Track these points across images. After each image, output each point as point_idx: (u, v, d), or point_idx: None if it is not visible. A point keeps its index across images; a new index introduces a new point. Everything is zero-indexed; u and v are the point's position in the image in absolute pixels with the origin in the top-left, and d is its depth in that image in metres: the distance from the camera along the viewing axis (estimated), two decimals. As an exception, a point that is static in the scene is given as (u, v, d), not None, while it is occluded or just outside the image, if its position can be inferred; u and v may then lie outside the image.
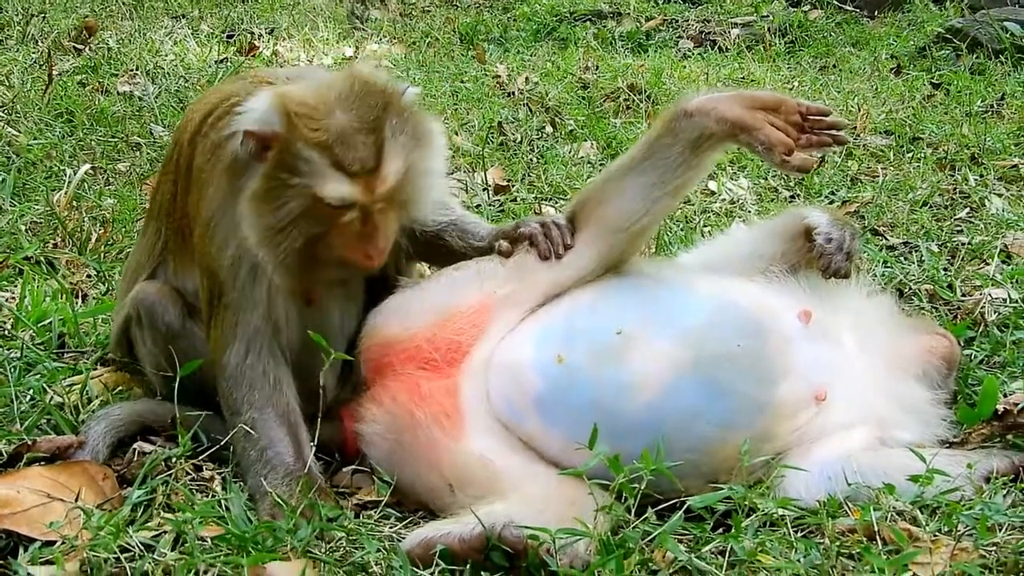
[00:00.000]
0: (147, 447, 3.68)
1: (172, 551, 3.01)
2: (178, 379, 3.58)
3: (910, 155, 7.08)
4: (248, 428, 3.55)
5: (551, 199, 6.39)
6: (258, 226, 3.43)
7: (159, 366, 3.86)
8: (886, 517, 3.22)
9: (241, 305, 3.62)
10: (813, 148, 3.64)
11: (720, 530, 3.24)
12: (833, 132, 3.65)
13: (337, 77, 3.50)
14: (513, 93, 8.85)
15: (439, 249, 4.01)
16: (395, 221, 3.62)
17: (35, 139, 7.11)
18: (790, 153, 3.56)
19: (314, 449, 3.53)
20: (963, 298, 4.92)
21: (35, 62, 8.94)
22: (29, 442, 3.55)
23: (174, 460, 3.53)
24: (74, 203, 5.95)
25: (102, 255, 5.51)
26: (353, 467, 3.68)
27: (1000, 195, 6.27)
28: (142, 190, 6.41)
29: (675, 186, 3.68)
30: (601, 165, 7.03)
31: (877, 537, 3.13)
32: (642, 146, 3.70)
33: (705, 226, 5.85)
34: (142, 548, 3.00)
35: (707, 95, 3.66)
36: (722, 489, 3.27)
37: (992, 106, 8.12)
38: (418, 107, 3.60)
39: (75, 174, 6.11)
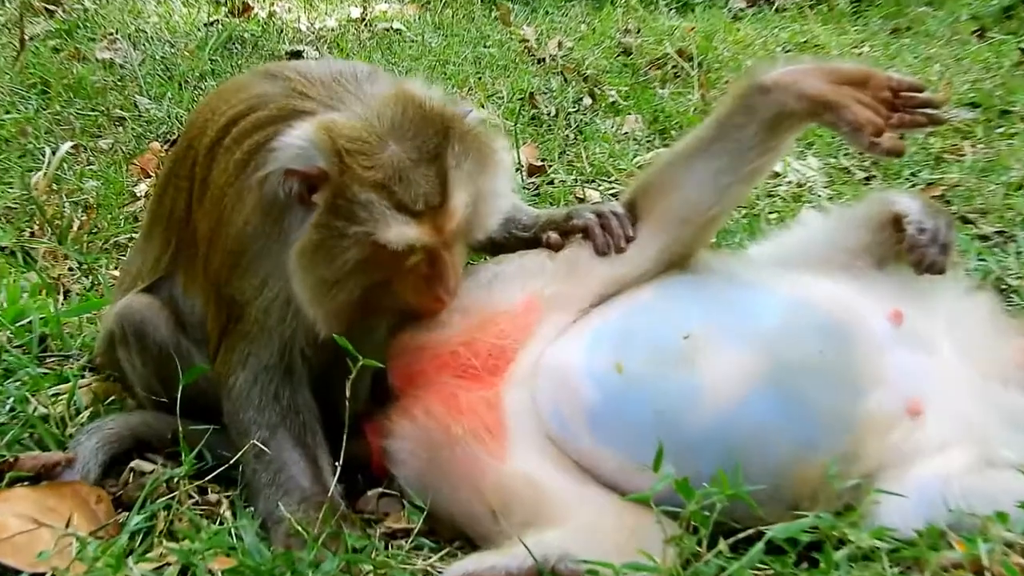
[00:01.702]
0: (146, 466, 3.67)
1: (179, 585, 3.00)
2: (180, 388, 3.52)
3: (1001, 130, 7.03)
4: (260, 449, 3.53)
5: (593, 181, 6.36)
6: (311, 281, 3.38)
7: (151, 388, 3.85)
8: (996, 549, 3.17)
9: (259, 340, 3.61)
10: (905, 128, 3.59)
11: (805, 564, 3.20)
12: (928, 110, 3.61)
13: (387, 100, 3.42)
14: (544, 60, 8.84)
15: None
16: (462, 252, 3.63)
17: (7, 113, 7.13)
18: (879, 134, 3.51)
19: (338, 472, 3.49)
20: (1070, 296, 4.88)
21: (3, 25, 8.95)
22: (11, 459, 3.53)
23: (176, 481, 3.50)
24: (53, 186, 5.94)
25: (85, 245, 5.50)
26: (380, 490, 3.65)
27: (1109, 176, 6.22)
28: (128, 170, 6.41)
29: (749, 171, 3.65)
30: (648, 142, 7.01)
31: (986, 573, 3.09)
32: (711, 126, 3.67)
33: (770, 212, 5.81)
34: (144, 582, 2.99)
35: (785, 68, 3.62)
36: (806, 517, 3.22)
37: (1093, 74, 8.07)
38: (480, 126, 3.54)
39: (54, 153, 6.10)
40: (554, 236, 3.79)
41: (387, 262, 3.39)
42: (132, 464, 3.69)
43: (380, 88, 3.53)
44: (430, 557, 3.42)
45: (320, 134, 3.31)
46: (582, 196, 6.01)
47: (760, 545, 3.16)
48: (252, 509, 3.52)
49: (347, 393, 3.34)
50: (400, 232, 3.31)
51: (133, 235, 5.45)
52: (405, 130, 3.35)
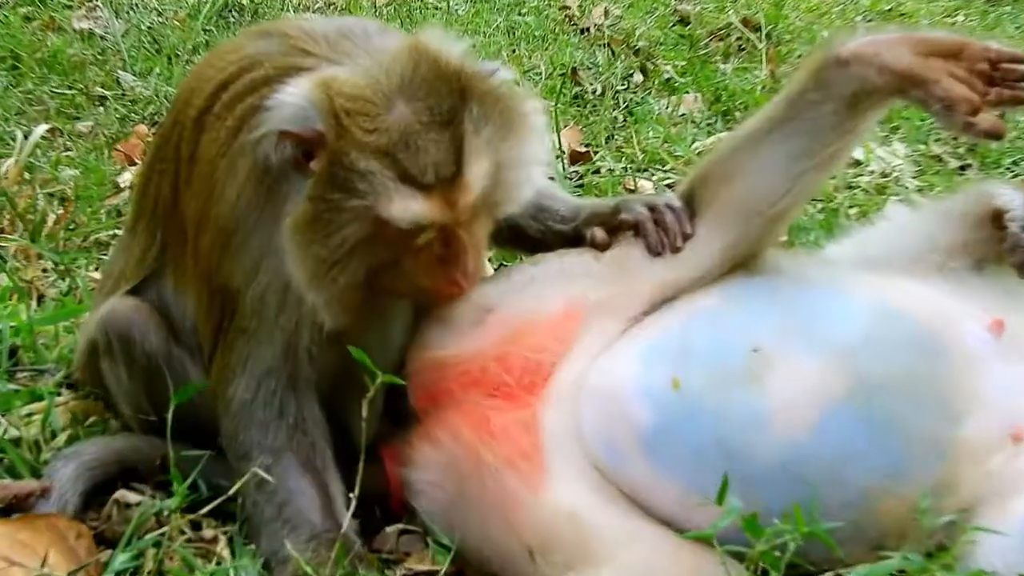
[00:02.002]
0: (132, 497, 3.67)
1: (170, 635, 3.01)
2: (172, 406, 3.52)
3: (1117, 112, 6.99)
4: (262, 477, 3.50)
5: (645, 169, 6.36)
6: (307, 261, 3.33)
7: (139, 406, 3.84)
8: (1113, 597, 3.17)
9: (258, 336, 3.58)
10: (1006, 105, 3.57)
11: (890, 612, 3.19)
12: (1032, 85, 3.59)
13: (397, 55, 3.36)
14: (588, 29, 8.84)
15: (505, 233, 3.91)
16: (484, 230, 3.58)
17: (-28, 92, 7.17)
18: (976, 112, 3.50)
19: (353, 505, 3.46)
20: None
21: (-33, -9, 9.02)
22: (-22, 489, 3.55)
23: (167, 514, 3.51)
24: (25, 175, 5.96)
25: (62, 243, 5.52)
26: (400, 526, 3.65)
27: None
28: (111, 157, 6.43)
29: (825, 157, 3.62)
30: (708, 124, 7.01)
31: (1100, 624, 3.08)
32: (781, 104, 3.66)
33: (851, 206, 5.80)
34: (131, 630, 3.01)
35: (866, 37, 3.60)
36: (892, 559, 3.21)
37: None
38: (506, 86, 3.47)
39: (26, 137, 6.12)
40: (600, 233, 3.76)
41: (393, 241, 3.34)
42: (116, 495, 3.69)
43: (392, 42, 3.48)
44: (458, 603, 3.43)
45: (317, 91, 3.28)
46: (633, 187, 6.02)
47: (839, 590, 3.16)
48: (254, 547, 3.52)
49: (363, 413, 3.32)
50: (405, 207, 3.26)
51: (116, 231, 5.46)
52: (416, 88, 3.29)
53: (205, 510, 3.60)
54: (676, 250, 3.67)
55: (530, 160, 3.57)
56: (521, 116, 3.51)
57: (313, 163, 3.29)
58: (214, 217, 3.54)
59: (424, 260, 3.42)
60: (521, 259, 3.94)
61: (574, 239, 3.85)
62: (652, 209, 3.72)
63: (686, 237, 3.68)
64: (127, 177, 6.17)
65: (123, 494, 3.69)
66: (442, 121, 3.28)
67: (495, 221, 3.64)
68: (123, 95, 7.35)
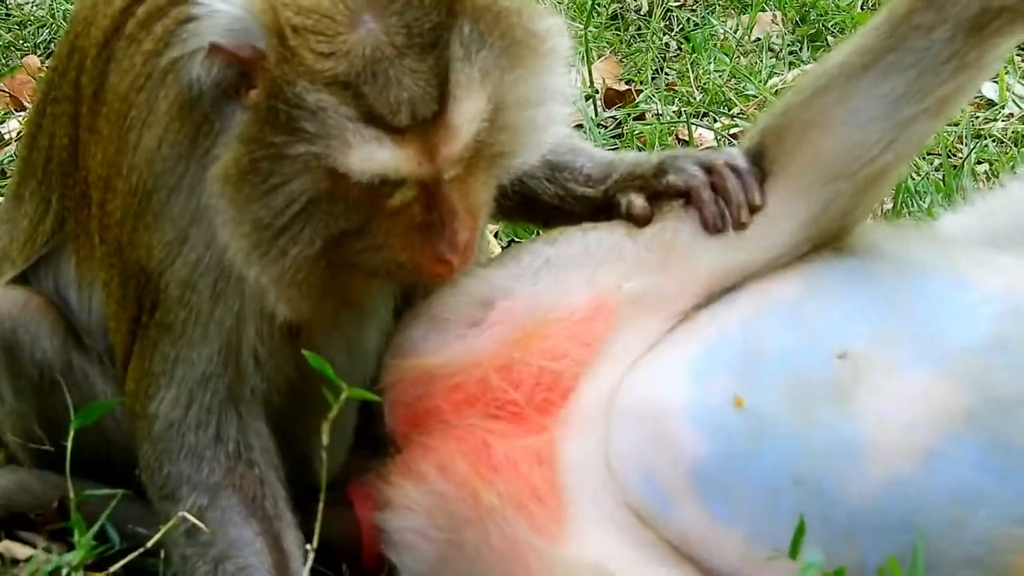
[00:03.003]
0: (20, 551, 3.72)
1: None
2: (73, 432, 3.54)
3: None
4: (192, 523, 3.49)
5: (705, 114, 6.37)
6: (243, 226, 3.28)
7: (28, 432, 3.87)
8: None
9: (187, 334, 3.53)
10: None
11: None
12: None
13: None
14: (630, -75, 8.86)
15: (512, 199, 3.86)
16: (482, 191, 3.51)
17: None
18: None
19: (311, 559, 3.50)
20: None
21: None
22: None
23: (67, 572, 3.54)
24: None
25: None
26: (374, 588, 3.66)
27: None
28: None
29: (938, 98, 3.62)
30: (791, 53, 7.01)
31: None
32: (880, 30, 3.65)
33: (978, 162, 5.80)
34: None
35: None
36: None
37: None
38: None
39: None
40: (638, 201, 3.75)
41: (357, 201, 3.31)
42: (0, 546, 3.73)
43: None
44: None
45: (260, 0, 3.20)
46: (686, 137, 6.03)
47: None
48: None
49: (324, 439, 3.34)
50: (368, 156, 3.20)
51: (-1, 196, 5.49)
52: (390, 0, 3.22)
53: (117, 566, 3.61)
54: (741, 226, 3.65)
55: (544, 97, 3.53)
56: (532, 38, 3.46)
57: (253, 93, 3.24)
58: (127, 172, 3.50)
59: (400, 228, 3.37)
60: (538, 234, 3.90)
61: (604, 208, 3.83)
62: (709, 170, 3.71)
63: (754, 209, 3.66)
64: (13, 126, 6.20)
65: (8, 546, 3.74)
66: (423, 43, 3.22)
67: (497, 180, 3.59)
68: (7, 16, 7.38)
